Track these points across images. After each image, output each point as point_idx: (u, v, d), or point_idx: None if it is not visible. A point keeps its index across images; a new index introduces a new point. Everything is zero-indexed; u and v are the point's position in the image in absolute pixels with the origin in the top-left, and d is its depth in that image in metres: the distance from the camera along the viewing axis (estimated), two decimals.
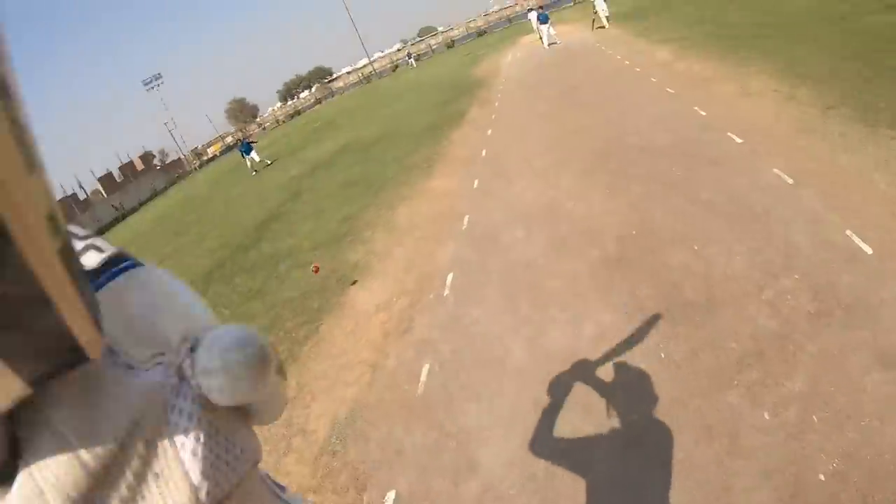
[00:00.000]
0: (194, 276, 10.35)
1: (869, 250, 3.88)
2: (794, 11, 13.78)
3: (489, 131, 11.21)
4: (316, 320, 5.81)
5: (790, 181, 5.21)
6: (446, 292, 5.27)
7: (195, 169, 58.98)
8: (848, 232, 4.15)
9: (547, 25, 23.47)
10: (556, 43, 23.45)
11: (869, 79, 7.20)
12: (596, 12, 23.06)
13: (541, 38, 24.99)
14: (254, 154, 21.63)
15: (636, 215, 5.60)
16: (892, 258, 3.73)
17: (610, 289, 4.48)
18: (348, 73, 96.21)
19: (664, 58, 12.59)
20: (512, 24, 50.57)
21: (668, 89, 9.73)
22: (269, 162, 21.68)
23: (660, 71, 11.37)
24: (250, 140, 22.68)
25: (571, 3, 47.06)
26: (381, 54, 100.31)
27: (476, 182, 8.20)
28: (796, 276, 3.85)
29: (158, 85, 77.07)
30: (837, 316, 3.34)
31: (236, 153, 28.42)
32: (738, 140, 6.53)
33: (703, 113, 7.85)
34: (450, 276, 5.55)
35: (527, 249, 5.58)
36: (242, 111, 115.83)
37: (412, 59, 53.07)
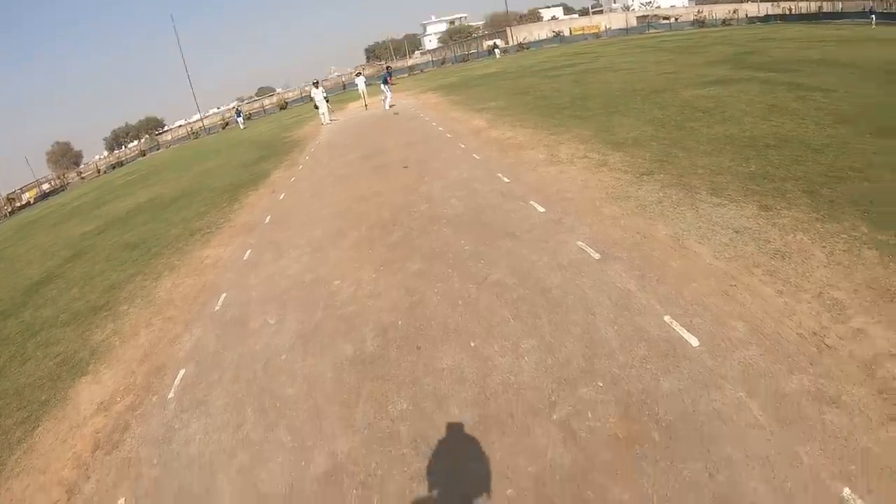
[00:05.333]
0: None
1: (695, 341, 3.20)
2: (612, 86, 15.08)
3: (282, 195, 11.16)
4: (37, 419, 4.85)
5: (596, 256, 4.68)
6: (171, 394, 4.60)
7: (6, 215, 52.66)
8: (667, 318, 3.49)
9: (387, 86, 24.26)
10: (394, 105, 24.19)
11: (687, 146, 7.39)
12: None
13: (365, 103, 27.38)
14: None
15: (407, 300, 4.70)
16: (725, 352, 3.04)
17: (355, 402, 3.55)
18: (180, 126, 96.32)
19: (478, 125, 12.89)
20: (346, 91, 52.84)
21: (475, 155, 9.56)
22: None
23: (471, 138, 11.42)
24: None
25: (406, 74, 51.62)
26: (216, 110, 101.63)
27: (248, 253, 7.82)
28: (600, 384, 3.02)
29: None
30: (656, 441, 2.47)
31: (53, 199, 22.09)
32: (541, 209, 6.10)
33: (507, 180, 7.53)
34: (181, 373, 4.90)
35: (273, 341, 4.93)
36: (65, 156, 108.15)
37: (241, 118, 52.01)
